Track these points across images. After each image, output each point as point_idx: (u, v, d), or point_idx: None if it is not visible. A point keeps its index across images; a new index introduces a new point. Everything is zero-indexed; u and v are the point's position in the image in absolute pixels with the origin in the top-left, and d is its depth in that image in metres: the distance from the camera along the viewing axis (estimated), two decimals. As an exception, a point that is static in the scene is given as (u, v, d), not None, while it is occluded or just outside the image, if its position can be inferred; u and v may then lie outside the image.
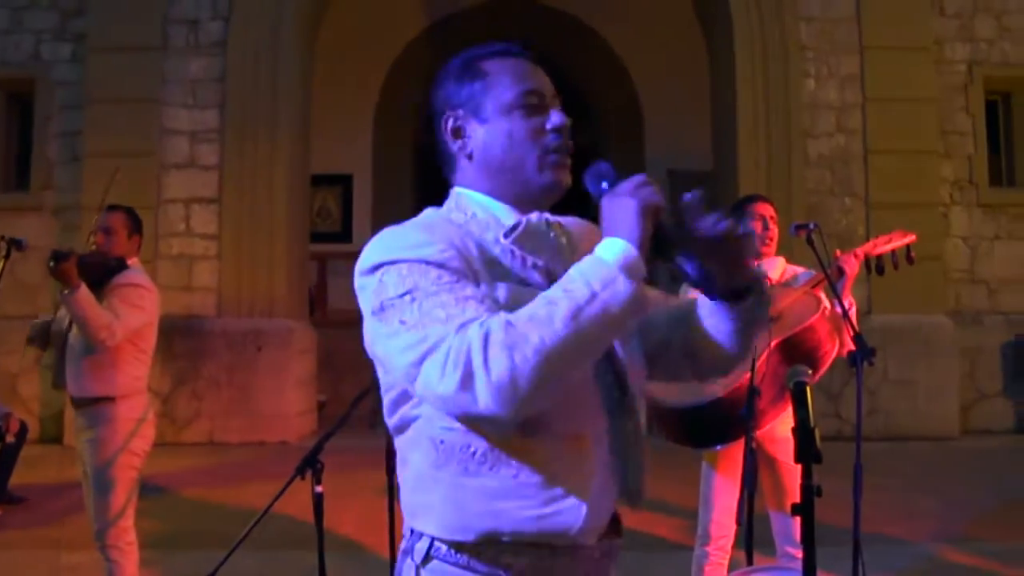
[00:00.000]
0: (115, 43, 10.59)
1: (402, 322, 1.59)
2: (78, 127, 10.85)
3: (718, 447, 4.12)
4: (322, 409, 11.64)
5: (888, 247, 4.40)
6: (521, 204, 1.80)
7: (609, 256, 1.58)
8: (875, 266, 4.40)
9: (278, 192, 10.58)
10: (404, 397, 1.72)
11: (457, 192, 1.86)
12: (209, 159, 10.65)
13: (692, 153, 12.63)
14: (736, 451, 3.89)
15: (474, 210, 1.80)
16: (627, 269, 1.56)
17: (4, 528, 6.74)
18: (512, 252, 1.72)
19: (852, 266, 4.23)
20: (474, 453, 1.65)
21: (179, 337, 10.06)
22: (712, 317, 1.89)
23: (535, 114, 1.81)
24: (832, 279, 4.09)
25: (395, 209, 13.54)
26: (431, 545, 1.72)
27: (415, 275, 1.61)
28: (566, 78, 14.28)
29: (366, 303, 1.68)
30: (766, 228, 4.47)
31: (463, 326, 1.52)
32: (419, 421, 1.71)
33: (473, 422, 1.60)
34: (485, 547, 1.67)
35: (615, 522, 1.82)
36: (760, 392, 3.63)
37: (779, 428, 4.06)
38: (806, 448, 2.00)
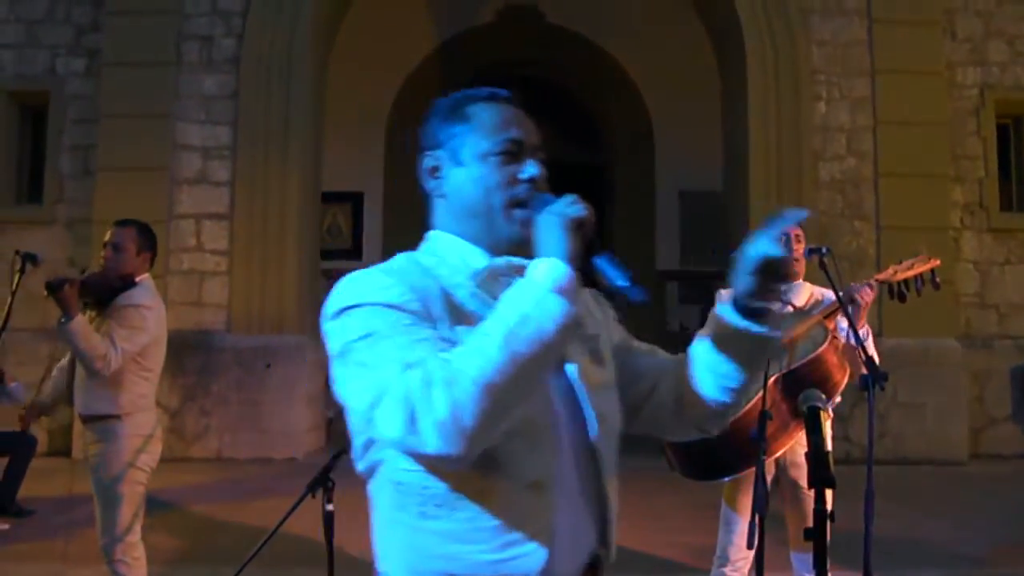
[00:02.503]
0: (129, 59, 10.64)
1: (360, 364, 1.60)
2: (91, 141, 10.89)
3: (726, 479, 4.11)
4: (331, 425, 11.62)
5: (911, 272, 4.34)
6: (493, 252, 1.80)
7: (538, 276, 1.58)
8: (897, 293, 4.33)
9: (289, 209, 10.61)
10: (369, 442, 1.72)
11: (432, 234, 1.87)
12: (221, 175, 10.68)
13: (703, 174, 12.63)
14: (756, 474, 3.88)
15: (444, 253, 1.81)
16: (557, 286, 1.56)
17: (12, 541, 6.74)
18: (478, 296, 1.73)
19: (866, 296, 4.18)
20: (432, 496, 1.65)
21: (189, 353, 10.07)
22: (716, 352, 1.86)
23: (511, 162, 1.80)
24: (845, 307, 4.05)
25: (405, 227, 13.54)
26: None
27: (375, 318, 1.62)
28: (575, 98, 14.33)
29: (331, 347, 1.68)
30: (790, 249, 4.46)
31: (408, 367, 1.52)
32: (383, 465, 1.72)
33: (431, 463, 1.60)
34: None
35: (593, 568, 1.78)
36: (771, 416, 3.62)
37: (799, 452, 4.04)
38: (820, 473, 2.00)
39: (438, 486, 1.64)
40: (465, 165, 1.81)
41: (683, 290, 13.32)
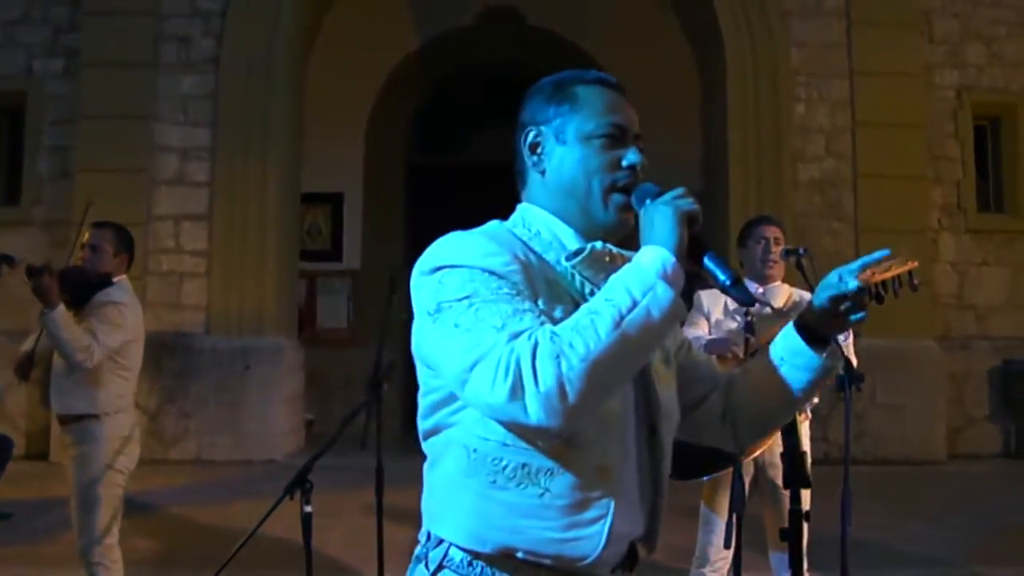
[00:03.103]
0: (107, 59, 10.58)
1: (456, 325, 1.60)
2: (69, 142, 10.82)
3: (704, 478, 4.12)
4: (310, 428, 11.60)
5: (889, 274, 4.35)
6: (584, 235, 1.81)
7: (648, 263, 1.61)
8: (875, 294, 4.34)
9: (269, 210, 10.57)
10: (445, 401, 1.72)
11: (524, 207, 1.88)
12: (200, 176, 10.62)
13: (683, 176, 12.53)
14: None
15: (539, 228, 1.82)
16: (666, 276, 1.59)
17: (-12, 545, 6.70)
18: (573, 275, 1.74)
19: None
20: (504, 467, 1.65)
21: (167, 354, 10.02)
22: (780, 366, 1.91)
23: (613, 147, 1.82)
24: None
25: (386, 228, 13.55)
26: (446, 554, 1.72)
27: (476, 282, 1.63)
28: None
29: (422, 303, 1.69)
30: (768, 250, 4.47)
31: (514, 336, 1.54)
32: (455, 428, 1.72)
33: (523, 432, 1.61)
34: (500, 561, 1.68)
35: (631, 557, 1.82)
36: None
37: (777, 452, 4.06)
38: (796, 473, 2.01)
39: (512, 459, 1.65)
40: (568, 144, 1.83)
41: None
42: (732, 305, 4.51)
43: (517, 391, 1.50)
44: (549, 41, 13.57)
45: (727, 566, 4.26)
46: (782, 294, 4.54)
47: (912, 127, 10.79)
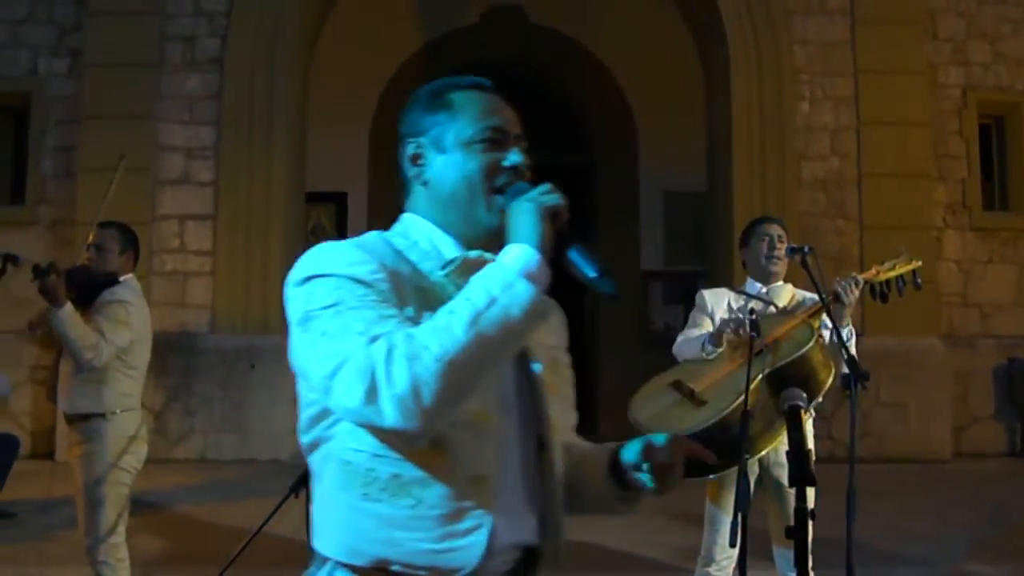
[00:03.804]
0: (111, 59, 10.58)
1: (323, 333, 1.60)
2: (73, 142, 10.82)
3: (711, 477, 4.11)
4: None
5: (893, 273, 4.36)
6: (467, 243, 1.80)
7: (509, 261, 1.59)
8: (879, 293, 4.34)
9: (273, 209, 10.58)
10: (322, 415, 1.71)
11: (406, 217, 1.88)
12: (204, 175, 10.64)
13: (687, 175, 12.62)
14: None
15: (417, 238, 1.82)
16: (527, 272, 1.57)
17: (-6, 544, 6.71)
18: (448, 284, 1.72)
19: (850, 295, 4.19)
20: (377, 478, 1.64)
21: (172, 354, 10.02)
22: (606, 473, 1.89)
23: (494, 150, 1.81)
24: (829, 306, 4.06)
25: (389, 226, 13.54)
26: (331, 572, 1.71)
27: (343, 290, 1.62)
28: (559, 99, 14.31)
29: (292, 314, 1.69)
30: (773, 248, 4.47)
31: (372, 340, 1.53)
32: (332, 441, 1.70)
33: (390, 439, 1.60)
34: (377, 574, 1.66)
35: (528, 566, 1.79)
36: (754, 416, 3.64)
37: (783, 452, 4.07)
38: (801, 471, 2.01)
39: (384, 470, 1.64)
40: (448, 152, 1.82)
41: (667, 290, 13.32)
42: (736, 304, 4.50)
43: (372, 394, 1.50)
44: (553, 40, 13.57)
45: (732, 565, 4.26)
46: (785, 293, 4.53)
47: (917, 125, 10.78)
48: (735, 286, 4.68)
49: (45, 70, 11.20)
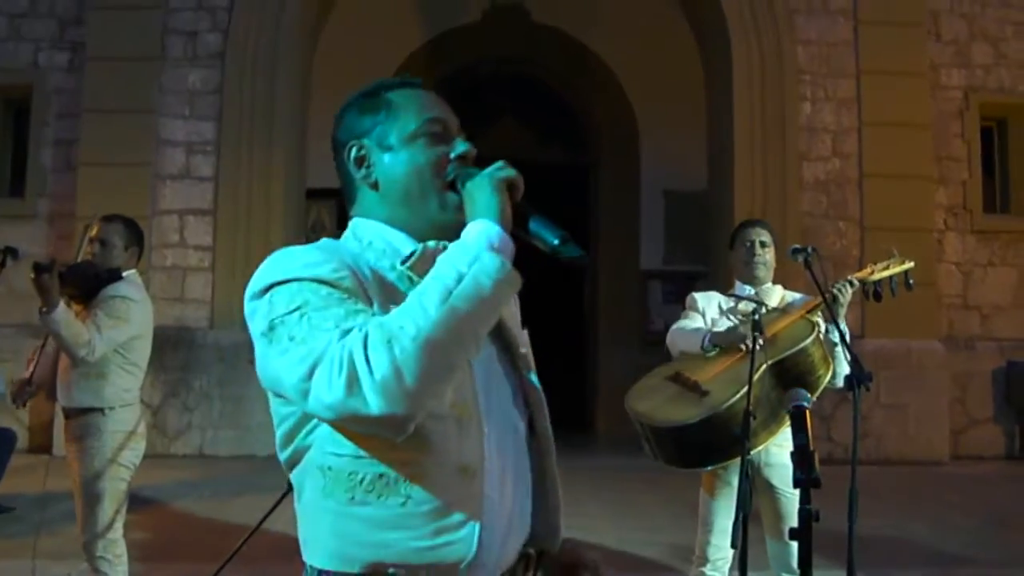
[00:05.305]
0: (113, 53, 10.58)
1: (291, 338, 1.56)
2: (74, 136, 10.83)
3: (708, 467, 4.11)
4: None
5: (886, 274, 4.37)
6: (421, 238, 1.77)
7: (471, 238, 1.59)
8: (872, 292, 4.35)
9: (273, 205, 10.58)
10: (297, 427, 1.69)
11: (355, 221, 1.85)
12: (204, 171, 10.64)
13: (688, 174, 12.63)
14: (734, 473, 3.89)
15: (370, 238, 1.79)
16: (491, 245, 1.57)
17: (-9, 538, 6.70)
18: (409, 278, 1.69)
19: (844, 295, 4.20)
20: (361, 480, 1.62)
21: (171, 349, 10.02)
22: None
23: (439, 143, 1.80)
24: (828, 304, 4.06)
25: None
26: None
27: (306, 292, 1.59)
28: (560, 97, 14.32)
29: (255, 327, 1.64)
30: (752, 253, 4.46)
31: (345, 333, 1.51)
32: (310, 450, 1.68)
33: (372, 430, 1.55)
34: None
35: (528, 558, 1.79)
36: (755, 416, 3.63)
37: (774, 452, 4.07)
38: (805, 472, 2.00)
39: (367, 471, 1.62)
40: (395, 149, 1.81)
41: (667, 290, 13.31)
42: (726, 305, 4.50)
43: (353, 384, 1.47)
44: (555, 38, 13.56)
45: (727, 565, 4.25)
46: (776, 294, 4.53)
47: (918, 127, 10.78)
48: (728, 291, 4.68)
49: (46, 63, 11.20)
